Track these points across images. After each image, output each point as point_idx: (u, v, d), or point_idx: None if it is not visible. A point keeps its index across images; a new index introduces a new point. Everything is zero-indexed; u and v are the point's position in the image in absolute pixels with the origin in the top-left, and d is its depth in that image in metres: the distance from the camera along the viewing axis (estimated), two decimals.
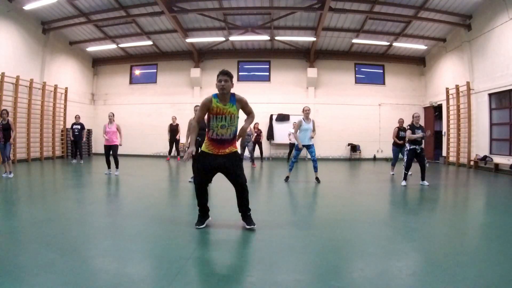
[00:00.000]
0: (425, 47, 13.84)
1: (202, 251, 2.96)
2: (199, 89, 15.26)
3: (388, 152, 14.24)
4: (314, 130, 7.25)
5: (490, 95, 10.70)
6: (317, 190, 6.49)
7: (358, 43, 13.96)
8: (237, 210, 3.68)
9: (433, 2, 10.77)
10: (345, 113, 14.89)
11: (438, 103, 13.82)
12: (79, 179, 7.73)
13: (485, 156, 10.59)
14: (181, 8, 11.40)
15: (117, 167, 8.15)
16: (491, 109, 10.78)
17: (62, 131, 13.60)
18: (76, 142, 11.77)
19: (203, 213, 3.65)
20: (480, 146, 11.09)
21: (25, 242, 3.05)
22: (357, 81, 15.31)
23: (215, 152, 3.47)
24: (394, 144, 8.94)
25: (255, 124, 12.95)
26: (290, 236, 3.41)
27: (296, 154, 7.23)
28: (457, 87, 12.07)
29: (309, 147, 7.10)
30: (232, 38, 13.57)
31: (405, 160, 7.15)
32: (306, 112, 7.18)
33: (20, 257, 2.62)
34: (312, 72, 14.74)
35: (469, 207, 5.50)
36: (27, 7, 10.68)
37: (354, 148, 14.76)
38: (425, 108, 14.80)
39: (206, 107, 3.44)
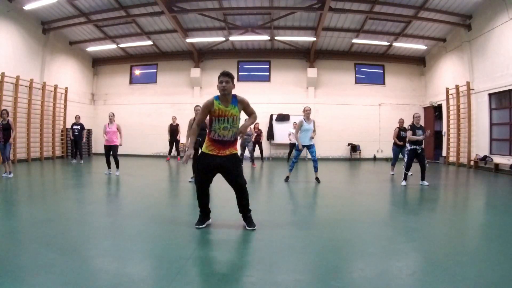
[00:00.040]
0: (425, 47, 13.84)
1: (202, 251, 2.96)
2: (199, 89, 15.26)
3: (388, 152, 14.23)
4: (314, 130, 7.23)
5: (490, 95, 10.70)
6: (317, 190, 6.49)
7: (358, 43, 13.95)
8: (237, 210, 3.68)
9: (433, 2, 10.77)
10: (345, 113, 14.88)
11: (438, 103, 13.82)
12: (79, 179, 7.73)
13: (485, 156, 10.59)
14: (181, 8, 11.40)
15: (117, 167, 8.16)
16: (491, 109, 10.78)
17: (62, 131, 13.60)
18: (76, 142, 11.77)
19: (204, 213, 3.65)
20: (480, 146, 11.09)
21: (25, 242, 3.05)
22: (357, 81, 15.30)
23: (215, 153, 3.47)
24: (395, 144, 8.94)
25: (256, 124, 12.94)
26: (290, 236, 3.41)
27: (297, 154, 7.22)
28: (457, 87, 12.07)
29: (309, 147, 7.09)
30: (232, 38, 13.57)
31: (405, 160, 7.15)
32: (307, 112, 7.14)
33: (20, 257, 2.62)
34: (312, 72, 14.74)
35: (469, 207, 5.50)
36: (27, 7, 10.67)
37: (354, 148, 14.76)
38: (425, 108, 14.80)
39: (207, 109, 3.43)
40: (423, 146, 6.97)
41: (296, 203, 5.53)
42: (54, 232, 3.35)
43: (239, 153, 3.78)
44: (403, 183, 6.96)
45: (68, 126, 13.10)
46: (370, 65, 15.43)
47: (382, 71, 15.34)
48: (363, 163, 13.33)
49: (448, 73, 13.03)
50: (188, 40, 13.44)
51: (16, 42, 11.18)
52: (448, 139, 12.90)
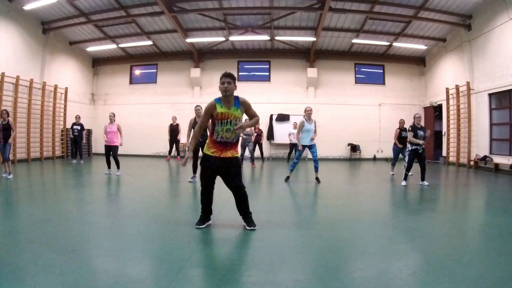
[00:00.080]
0: (425, 47, 13.84)
1: (202, 251, 2.96)
2: (199, 89, 15.26)
3: (388, 152, 14.25)
4: (315, 131, 7.17)
5: (490, 95, 10.70)
6: (317, 190, 6.49)
7: (358, 43, 13.95)
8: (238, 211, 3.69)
9: (433, 2, 10.77)
10: (345, 113, 14.88)
11: (438, 103, 13.82)
12: (79, 179, 7.73)
13: (485, 156, 10.59)
14: (181, 8, 11.40)
15: (118, 167, 8.15)
16: (491, 109, 10.78)
17: (62, 131, 13.60)
18: (76, 142, 11.78)
19: (206, 214, 3.65)
20: (480, 146, 11.09)
21: (25, 242, 3.04)
22: (357, 81, 15.30)
23: (217, 154, 3.46)
24: (396, 144, 8.91)
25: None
26: (290, 236, 3.41)
27: (298, 155, 7.19)
28: (457, 87, 12.07)
29: (311, 147, 7.06)
30: (232, 38, 13.57)
31: (406, 161, 7.14)
32: (308, 113, 7.09)
33: (20, 257, 2.62)
34: (312, 72, 14.74)
35: (469, 207, 5.50)
36: (27, 7, 10.67)
37: (354, 148, 14.76)
38: (425, 108, 14.80)
39: (209, 112, 3.43)
40: (423, 146, 6.97)
41: (296, 203, 5.53)
42: (54, 232, 3.35)
43: (239, 154, 3.77)
44: (403, 183, 6.96)
45: (68, 126, 13.10)
46: (370, 65, 15.43)
47: (382, 71, 15.34)
48: (363, 163, 13.33)
49: (448, 73, 13.03)
50: (188, 40, 13.44)
51: (16, 42, 11.18)
52: (448, 139, 12.90)
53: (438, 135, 14.22)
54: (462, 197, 6.37)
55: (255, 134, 12.11)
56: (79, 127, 11.76)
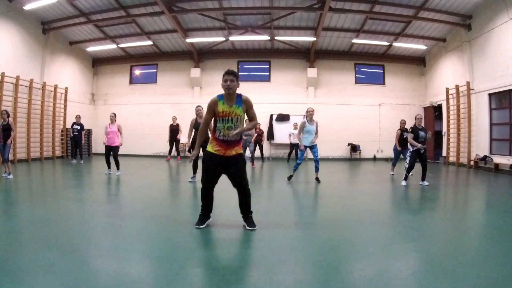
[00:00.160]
0: (425, 47, 13.84)
1: (202, 251, 2.96)
2: (199, 89, 15.27)
3: (388, 152, 14.26)
4: (317, 132, 7.08)
5: (490, 95, 10.70)
6: (317, 190, 6.49)
7: (358, 43, 13.95)
8: (238, 211, 3.68)
9: (433, 2, 10.76)
10: (345, 113, 14.88)
11: (438, 103, 13.82)
12: (79, 179, 7.74)
13: (485, 156, 10.59)
14: (181, 8, 11.40)
15: (118, 167, 8.14)
16: (491, 109, 10.77)
17: (62, 131, 13.60)
18: (77, 142, 11.78)
19: (206, 213, 3.64)
20: (480, 146, 11.09)
21: (25, 242, 3.04)
22: (357, 81, 15.30)
23: (221, 153, 3.45)
24: (400, 145, 8.87)
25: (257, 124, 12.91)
26: (290, 236, 3.41)
27: (301, 155, 7.15)
28: (457, 87, 12.07)
29: (312, 147, 7.04)
30: (232, 38, 13.57)
31: (407, 162, 7.12)
32: (310, 114, 7.01)
33: (20, 257, 2.62)
34: (312, 72, 14.74)
35: (469, 207, 5.50)
36: (27, 7, 10.67)
37: (354, 148, 14.76)
38: (425, 108, 14.80)
39: (212, 108, 3.43)
40: (425, 146, 6.96)
41: (296, 203, 5.53)
42: (54, 232, 3.35)
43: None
44: (403, 183, 6.96)
45: (68, 126, 13.10)
46: (370, 65, 15.43)
47: (382, 71, 15.34)
48: (363, 163, 13.33)
49: (448, 73, 13.04)
50: (188, 40, 13.44)
51: (16, 42, 11.18)
52: (448, 139, 12.90)
53: (438, 135, 14.21)
54: (462, 197, 6.37)
55: (256, 134, 12.12)
56: (78, 127, 11.76)
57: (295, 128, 12.49)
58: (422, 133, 6.87)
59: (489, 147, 10.71)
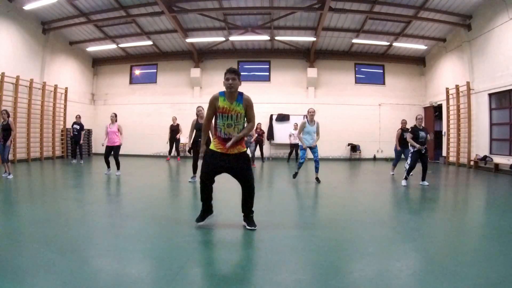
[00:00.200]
0: (425, 47, 13.84)
1: (202, 251, 2.96)
2: (199, 89, 15.27)
3: (388, 152, 14.28)
4: (318, 133, 7.04)
5: (490, 95, 10.70)
6: (317, 191, 6.49)
7: (358, 43, 13.95)
8: (238, 210, 3.68)
9: (433, 2, 10.76)
10: (345, 113, 14.88)
11: (438, 103, 13.82)
12: (79, 179, 7.73)
13: (485, 156, 10.59)
14: (181, 8, 11.40)
15: (118, 168, 8.14)
16: (491, 109, 10.78)
17: (62, 131, 13.60)
18: (76, 141, 11.78)
19: (206, 208, 3.62)
20: (480, 146, 11.09)
21: (25, 242, 3.04)
22: (357, 81, 15.30)
23: (224, 151, 3.43)
24: (400, 145, 8.87)
25: (258, 124, 12.96)
26: (291, 236, 3.41)
27: (302, 154, 7.15)
28: (457, 87, 12.07)
29: (312, 148, 7.04)
30: (232, 38, 13.57)
31: (408, 162, 7.10)
32: (311, 114, 6.96)
33: (20, 257, 2.62)
34: (312, 72, 14.74)
35: (469, 207, 5.50)
36: (27, 7, 10.67)
37: (354, 148, 14.76)
38: (425, 108, 14.80)
39: (213, 104, 3.44)
40: (426, 146, 6.96)
41: (297, 204, 5.53)
42: (54, 232, 3.35)
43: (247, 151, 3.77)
44: (403, 183, 6.96)
45: (68, 126, 13.12)
46: (370, 65, 15.43)
47: (382, 71, 15.34)
48: (363, 163, 13.33)
49: (448, 73, 13.03)
50: (188, 40, 13.44)
51: (16, 42, 11.18)
52: (448, 139, 12.90)
53: (438, 135, 14.21)
54: (462, 197, 6.37)
55: (256, 135, 12.12)
56: (78, 127, 11.76)
57: (295, 128, 12.49)
58: (422, 134, 6.87)
59: (489, 147, 10.71)
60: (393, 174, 8.87)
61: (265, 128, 14.32)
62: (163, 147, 14.20)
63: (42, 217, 3.96)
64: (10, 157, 7.55)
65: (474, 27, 11.20)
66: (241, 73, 3.55)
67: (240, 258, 2.87)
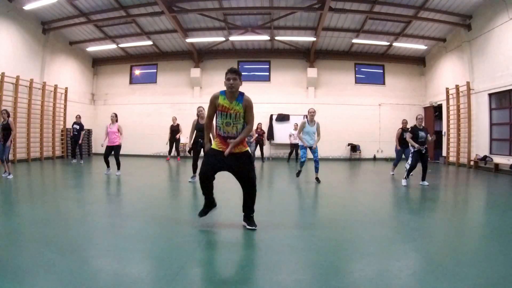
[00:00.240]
0: (425, 47, 13.83)
1: (202, 251, 2.96)
2: (199, 89, 15.27)
3: (388, 152, 14.30)
4: (318, 134, 7.03)
5: (490, 95, 10.70)
6: (317, 190, 6.49)
7: (358, 43, 13.95)
8: (238, 210, 3.68)
9: (433, 2, 10.76)
10: (345, 113, 14.88)
11: (438, 103, 13.82)
12: (79, 179, 7.73)
13: (485, 156, 10.59)
14: (181, 8, 11.40)
15: (118, 168, 8.13)
16: (491, 109, 10.78)
17: (62, 131, 13.60)
18: (76, 142, 11.77)
19: (209, 202, 3.60)
20: (480, 146, 11.09)
21: (25, 242, 3.04)
22: (357, 81, 15.30)
23: (225, 149, 3.43)
24: (400, 144, 8.88)
25: (258, 124, 12.97)
26: (291, 236, 3.40)
27: (303, 153, 7.14)
28: (457, 87, 12.07)
29: (311, 148, 7.04)
30: (232, 38, 13.57)
31: (408, 161, 7.09)
32: (311, 114, 6.95)
33: (20, 257, 2.62)
34: (312, 72, 14.74)
35: (469, 207, 5.50)
36: (27, 7, 10.67)
37: (354, 148, 14.76)
38: (425, 108, 14.80)
39: (213, 103, 3.45)
40: (426, 146, 6.95)
41: (297, 203, 5.53)
42: (54, 232, 3.35)
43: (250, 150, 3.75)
44: (404, 182, 6.95)
45: (69, 126, 13.13)
46: (370, 65, 15.43)
47: (382, 71, 15.34)
48: (363, 163, 13.33)
49: (448, 73, 13.04)
50: (188, 40, 13.44)
51: (16, 42, 11.18)
52: (448, 139, 12.90)
53: (438, 135, 14.20)
54: (462, 197, 6.37)
55: (257, 135, 12.13)
56: (78, 127, 11.76)
57: (295, 128, 12.49)
58: (422, 133, 6.86)
59: (489, 147, 10.71)
60: (393, 174, 8.87)
61: (265, 128, 14.32)
62: (163, 147, 14.20)
63: (42, 217, 3.96)
64: (10, 157, 7.53)
65: (474, 27, 11.20)
66: (241, 73, 3.54)
67: (240, 258, 2.87)
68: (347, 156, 14.94)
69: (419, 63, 15.14)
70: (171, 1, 11.03)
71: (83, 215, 4.21)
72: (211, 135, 4.81)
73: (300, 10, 11.56)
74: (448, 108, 12.79)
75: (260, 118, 13.59)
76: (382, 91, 15.13)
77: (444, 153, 13.33)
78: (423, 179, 6.98)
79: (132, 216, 4.18)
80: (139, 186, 6.80)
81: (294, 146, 13.06)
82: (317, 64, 14.93)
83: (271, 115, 14.70)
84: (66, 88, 13.66)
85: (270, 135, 14.63)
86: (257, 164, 11.68)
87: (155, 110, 15.33)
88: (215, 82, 14.49)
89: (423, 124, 7.11)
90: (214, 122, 3.72)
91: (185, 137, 13.11)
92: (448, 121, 12.84)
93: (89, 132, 14.82)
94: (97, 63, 16.02)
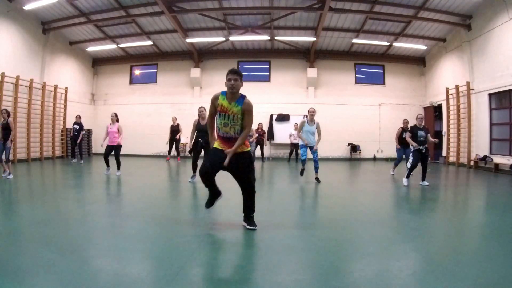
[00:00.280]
0: (425, 47, 13.83)
1: (202, 251, 2.96)
2: (199, 89, 15.27)
3: (388, 152, 14.31)
4: (319, 134, 7.05)
5: (490, 95, 10.70)
6: (317, 191, 6.50)
7: (358, 43, 13.95)
8: (238, 210, 3.68)
9: (433, 2, 10.76)
10: (345, 113, 14.88)
11: (438, 103, 13.82)
12: (79, 179, 7.73)
13: (485, 156, 10.59)
14: (181, 8, 11.40)
15: (118, 167, 8.13)
16: (491, 109, 10.78)
17: (62, 131, 13.60)
18: (75, 141, 11.76)
19: (213, 193, 3.59)
20: (480, 146, 11.09)
21: (25, 242, 3.05)
22: (357, 81, 15.30)
23: (226, 149, 3.43)
24: (400, 144, 8.88)
25: (259, 124, 12.98)
26: (291, 236, 3.41)
27: (303, 151, 7.15)
28: (457, 87, 12.07)
29: (312, 147, 7.05)
30: (232, 38, 13.57)
31: (409, 161, 7.07)
32: (311, 114, 6.99)
33: (20, 257, 2.62)
34: (312, 72, 14.74)
35: (469, 207, 5.50)
36: (27, 7, 10.67)
37: (354, 148, 14.76)
38: (425, 108, 14.80)
39: (213, 103, 3.47)
40: (426, 145, 6.94)
41: (297, 204, 5.53)
42: (54, 232, 3.35)
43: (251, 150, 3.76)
44: (405, 182, 6.89)
45: (69, 125, 13.13)
46: (370, 65, 15.43)
47: (382, 71, 15.34)
48: (363, 163, 13.33)
49: (448, 73, 13.04)
50: (188, 40, 13.44)
51: (16, 42, 11.18)
52: (448, 139, 12.90)
53: (438, 135, 14.21)
54: (462, 197, 6.37)
55: (257, 135, 12.12)
56: (77, 127, 11.76)
57: (295, 128, 12.49)
58: (421, 133, 6.86)
59: (489, 147, 10.71)
60: (393, 174, 8.87)
61: (265, 128, 14.32)
62: (163, 147, 14.20)
63: (42, 217, 3.96)
64: (10, 157, 7.52)
65: (474, 27, 11.20)
66: (242, 74, 3.54)
67: (240, 258, 2.87)
68: (347, 156, 14.94)
69: (419, 63, 15.14)
70: (171, 1, 11.03)
71: (83, 215, 4.21)
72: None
73: (300, 10, 11.56)
74: (448, 108, 12.79)
75: (260, 118, 13.59)
76: (382, 91, 15.13)
77: (444, 153, 13.33)
78: (423, 179, 6.98)
79: (132, 216, 4.18)
80: (139, 186, 6.80)
81: (294, 146, 13.06)
82: (317, 64, 14.93)
83: (271, 115, 14.70)
84: (66, 88, 13.66)
85: (270, 135, 14.63)
86: (257, 164, 11.68)
87: (155, 110, 15.33)
88: (215, 82, 14.50)
89: (423, 124, 7.10)
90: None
91: (185, 137, 13.14)
92: (448, 121, 12.84)
93: (89, 132, 14.82)
94: (97, 63, 16.02)
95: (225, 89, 3.45)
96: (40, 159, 12.18)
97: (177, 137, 12.94)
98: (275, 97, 14.85)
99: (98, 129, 14.68)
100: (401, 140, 8.71)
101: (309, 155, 7.26)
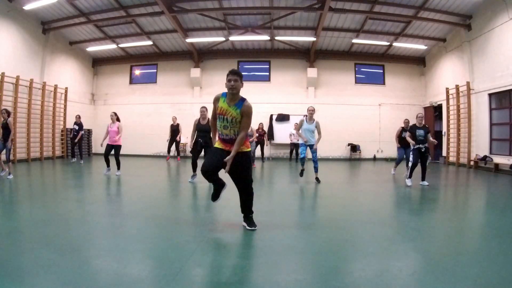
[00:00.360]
0: (425, 47, 13.84)
1: (203, 251, 2.96)
2: (199, 89, 15.27)
3: (388, 152, 14.32)
4: (319, 133, 7.06)
5: (490, 95, 10.70)
6: (317, 191, 6.49)
7: (358, 43, 13.95)
8: (239, 210, 3.68)
9: (433, 2, 10.76)
10: (345, 113, 14.88)
11: (438, 103, 13.82)
12: (79, 179, 7.73)
13: (485, 156, 10.59)
14: (181, 8, 11.40)
15: (118, 167, 8.13)
16: (491, 109, 10.78)
17: (62, 131, 13.60)
18: (74, 141, 11.76)
19: (218, 186, 3.56)
20: (480, 146, 11.09)
21: (25, 242, 3.04)
22: (357, 81, 15.30)
23: (226, 149, 3.45)
24: (400, 143, 8.87)
25: (259, 124, 12.98)
26: (291, 236, 3.41)
27: (302, 150, 7.15)
28: (457, 87, 12.07)
29: (312, 147, 7.06)
30: (232, 38, 13.57)
31: (410, 159, 7.04)
32: (310, 113, 7.04)
33: (20, 257, 2.62)
34: (312, 72, 14.74)
35: (469, 207, 5.50)
36: (27, 7, 10.67)
37: (354, 148, 14.76)
38: (425, 108, 14.80)
39: (214, 104, 3.50)
40: (426, 145, 6.93)
41: (297, 204, 5.53)
42: (54, 232, 3.34)
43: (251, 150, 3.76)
44: (408, 182, 6.79)
45: (69, 125, 13.13)
46: (370, 65, 15.43)
47: (382, 71, 15.34)
48: (363, 163, 13.33)
49: (448, 73, 13.04)
50: (188, 40, 13.44)
51: (16, 42, 11.18)
52: (448, 139, 12.90)
53: (438, 135, 14.21)
54: (462, 197, 6.37)
55: (257, 135, 12.12)
56: (77, 127, 11.75)
57: (295, 128, 12.48)
58: (420, 132, 6.86)
59: (489, 147, 10.71)
60: (393, 174, 8.87)
61: (265, 128, 14.31)
62: (163, 147, 14.18)
63: (42, 217, 3.96)
64: (10, 157, 7.52)
65: (474, 27, 11.20)
66: (243, 75, 3.54)
67: (240, 258, 2.87)
68: (347, 156, 14.94)
69: (419, 63, 15.14)
70: (171, 1, 11.03)
71: (83, 215, 4.21)
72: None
73: (300, 10, 11.56)
74: (448, 108, 12.80)
75: (260, 118, 13.59)
76: (382, 91, 15.13)
77: (444, 153, 13.33)
78: (423, 179, 6.97)
79: (132, 216, 4.18)
80: (139, 186, 6.80)
81: (294, 146, 13.06)
82: (317, 64, 14.93)
83: (271, 115, 14.70)
84: (66, 88, 13.66)
85: (270, 135, 14.63)
86: (257, 164, 11.68)
87: (155, 110, 15.33)
88: (215, 82, 14.50)
89: (423, 123, 7.10)
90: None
91: (185, 137, 13.14)
92: (448, 121, 12.84)
93: (89, 132, 14.82)
94: (97, 63, 16.02)
95: (226, 89, 3.46)
96: (40, 159, 12.18)
97: (177, 138, 12.94)
98: (275, 97, 14.86)
99: (98, 129, 14.69)
100: (401, 139, 8.72)
101: (309, 154, 7.26)
